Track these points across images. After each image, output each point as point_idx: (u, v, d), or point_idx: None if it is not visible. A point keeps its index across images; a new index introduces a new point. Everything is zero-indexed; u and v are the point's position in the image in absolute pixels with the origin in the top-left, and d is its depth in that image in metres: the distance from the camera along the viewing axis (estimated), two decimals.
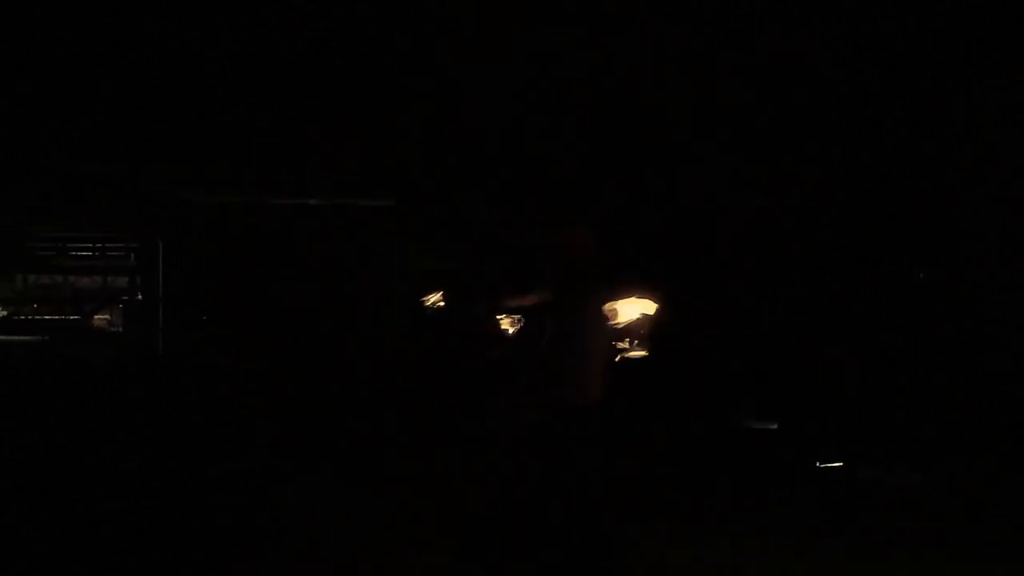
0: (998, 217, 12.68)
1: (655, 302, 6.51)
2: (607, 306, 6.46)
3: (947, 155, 12.70)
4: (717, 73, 13.06)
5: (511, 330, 6.72)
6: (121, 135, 16.69)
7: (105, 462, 10.75)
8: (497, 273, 13.58)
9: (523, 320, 6.53)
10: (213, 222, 18.08)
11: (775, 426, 12.80)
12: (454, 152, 14.41)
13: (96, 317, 22.06)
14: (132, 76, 15.86)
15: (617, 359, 6.56)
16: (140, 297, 19.48)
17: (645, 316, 6.63)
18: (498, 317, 6.60)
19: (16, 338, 20.70)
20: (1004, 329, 12.63)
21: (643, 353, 6.60)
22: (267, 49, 15.10)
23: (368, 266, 17.57)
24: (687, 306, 13.43)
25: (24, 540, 8.06)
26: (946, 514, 9.99)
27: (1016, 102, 12.49)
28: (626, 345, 6.55)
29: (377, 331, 16.83)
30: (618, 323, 6.56)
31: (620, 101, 13.50)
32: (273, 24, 14.84)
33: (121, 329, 20.58)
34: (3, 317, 22.77)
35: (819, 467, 11.74)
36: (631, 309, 6.57)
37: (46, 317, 22.45)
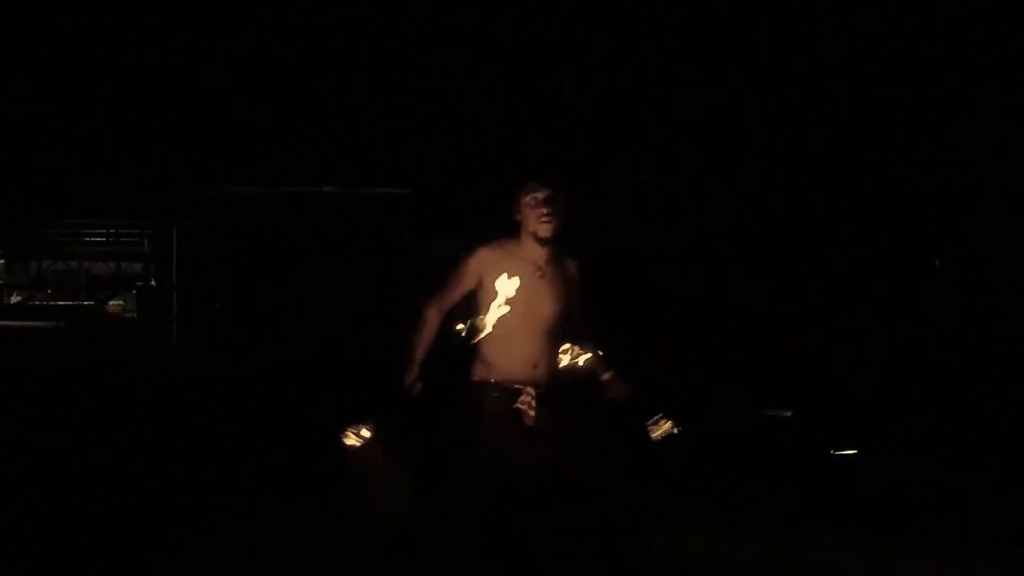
0: (1017, 203, 12.64)
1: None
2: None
3: (963, 142, 12.66)
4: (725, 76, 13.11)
5: None
6: (135, 123, 16.52)
7: (114, 456, 10.83)
8: None
9: None
10: (227, 209, 18.00)
11: (789, 414, 12.60)
12: (470, 140, 14.26)
13: (110, 303, 22.11)
14: (146, 65, 15.80)
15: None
16: (154, 283, 19.56)
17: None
18: None
19: (30, 324, 20.77)
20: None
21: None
22: (277, 36, 14.97)
23: (382, 256, 17.36)
24: (699, 292, 13.47)
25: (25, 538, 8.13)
26: (962, 507, 9.63)
27: None
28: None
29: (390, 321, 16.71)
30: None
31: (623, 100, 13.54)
32: (283, 10, 14.74)
33: (135, 315, 20.81)
34: (18, 303, 22.84)
35: (834, 455, 11.34)
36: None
37: (60, 303, 22.49)
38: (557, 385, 6.14)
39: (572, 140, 13.50)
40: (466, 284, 6.23)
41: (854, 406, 12.08)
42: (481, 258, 6.13)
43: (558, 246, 6.28)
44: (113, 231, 21.07)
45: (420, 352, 6.29)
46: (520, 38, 13.45)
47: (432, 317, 6.28)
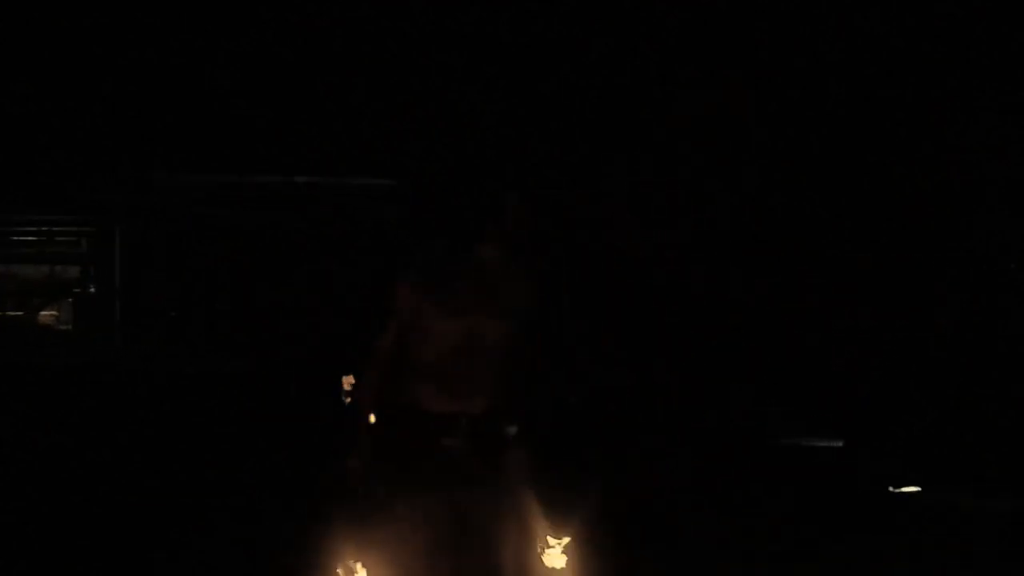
0: (1017, 203, 12.69)
1: None
2: None
3: (963, 142, 12.72)
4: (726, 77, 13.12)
5: None
6: (73, 104, 14.51)
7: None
8: None
9: None
10: (180, 203, 16.21)
11: (840, 444, 11.83)
12: (470, 140, 13.77)
13: (42, 313, 19.37)
14: (84, 37, 13.94)
15: None
16: (93, 290, 17.62)
17: None
18: None
19: None
20: None
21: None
22: (244, 11, 14.04)
23: (362, 254, 15.78)
24: (739, 314, 13.36)
25: None
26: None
27: None
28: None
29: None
30: None
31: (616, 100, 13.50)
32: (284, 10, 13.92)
33: (71, 327, 18.46)
34: None
35: (892, 492, 10.16)
36: None
37: None
38: (494, 416, 5.10)
39: (572, 140, 13.41)
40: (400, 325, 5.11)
41: (916, 434, 11.37)
42: (406, 290, 5.09)
43: (515, 257, 5.25)
44: (46, 229, 18.49)
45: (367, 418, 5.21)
46: (520, 38, 13.28)
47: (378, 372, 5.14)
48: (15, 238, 19.01)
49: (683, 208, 13.42)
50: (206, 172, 15.78)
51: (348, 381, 5.39)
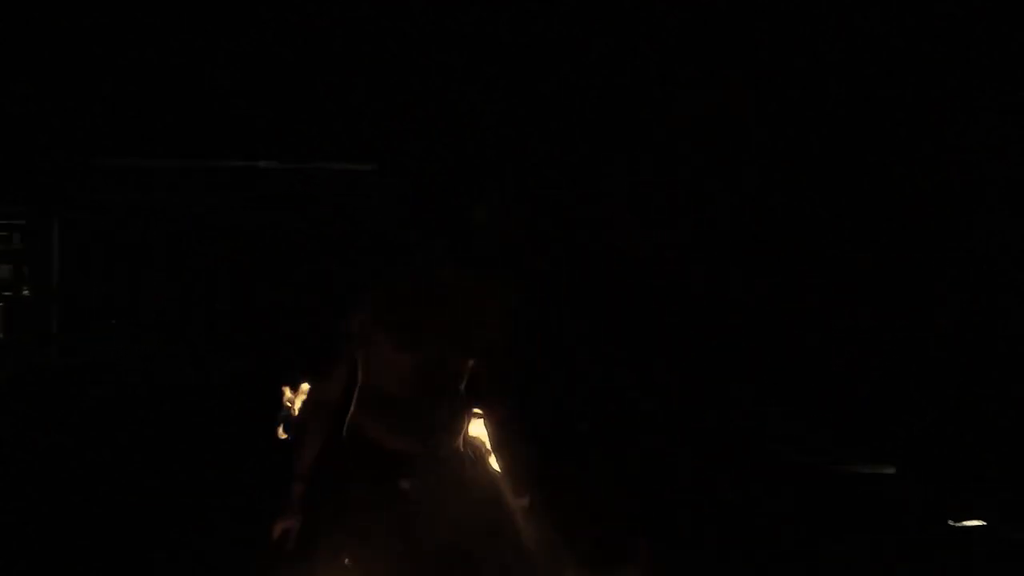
0: (1017, 203, 12.67)
1: None
2: None
3: (963, 142, 12.70)
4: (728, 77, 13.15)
5: None
6: (2, 78, 13.00)
7: None
8: None
9: None
10: (127, 193, 14.46)
11: (892, 471, 11.01)
12: (470, 140, 13.51)
13: None
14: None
15: None
16: (27, 292, 15.38)
17: None
18: None
19: None
20: None
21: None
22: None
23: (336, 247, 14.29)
24: (739, 314, 13.33)
25: None
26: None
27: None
28: None
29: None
30: None
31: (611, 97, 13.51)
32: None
33: (1, 335, 15.76)
34: None
35: (953, 527, 9.06)
36: None
37: None
38: (454, 452, 4.53)
39: (572, 140, 13.42)
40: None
41: (980, 460, 10.64)
42: (365, 313, 4.57)
43: (481, 272, 4.77)
44: None
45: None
46: (520, 38, 13.27)
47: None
48: None
49: (683, 208, 13.41)
50: (159, 156, 14.07)
51: (293, 399, 5.00)
